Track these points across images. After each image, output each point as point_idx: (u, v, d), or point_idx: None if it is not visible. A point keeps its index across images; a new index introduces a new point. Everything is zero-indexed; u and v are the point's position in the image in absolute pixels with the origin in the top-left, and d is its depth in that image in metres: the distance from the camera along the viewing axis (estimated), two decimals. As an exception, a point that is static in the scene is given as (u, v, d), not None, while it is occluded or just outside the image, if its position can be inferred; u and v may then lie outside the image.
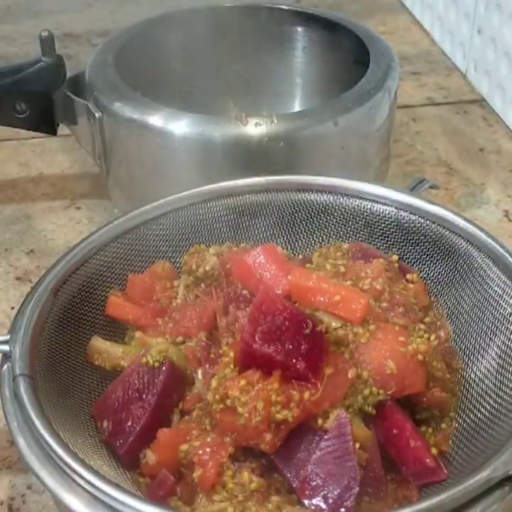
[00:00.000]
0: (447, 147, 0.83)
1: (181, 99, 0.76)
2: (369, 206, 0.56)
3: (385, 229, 0.56)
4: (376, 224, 0.56)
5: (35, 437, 0.41)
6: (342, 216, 0.57)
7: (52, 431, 0.41)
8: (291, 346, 0.42)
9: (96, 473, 0.39)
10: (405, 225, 0.55)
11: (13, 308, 0.63)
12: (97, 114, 0.65)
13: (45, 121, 0.70)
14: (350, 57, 0.72)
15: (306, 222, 0.58)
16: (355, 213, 0.57)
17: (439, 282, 0.54)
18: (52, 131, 0.71)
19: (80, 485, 0.39)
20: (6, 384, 0.44)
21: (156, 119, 0.62)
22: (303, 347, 0.42)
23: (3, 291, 0.66)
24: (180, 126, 0.62)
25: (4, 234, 0.72)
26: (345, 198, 0.57)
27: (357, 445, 0.42)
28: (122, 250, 0.54)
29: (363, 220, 0.56)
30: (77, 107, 0.68)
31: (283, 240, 0.58)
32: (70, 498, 0.38)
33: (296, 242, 0.58)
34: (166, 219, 0.56)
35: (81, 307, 0.51)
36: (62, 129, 0.72)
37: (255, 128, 0.61)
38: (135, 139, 0.64)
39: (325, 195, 0.57)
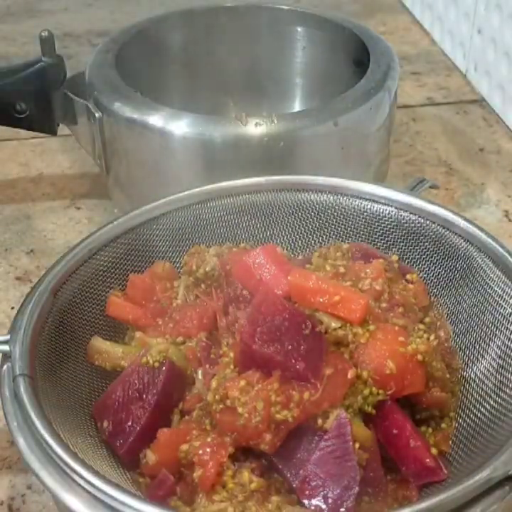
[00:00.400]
0: (447, 147, 0.83)
1: (181, 99, 0.76)
2: (369, 206, 0.56)
3: (385, 229, 0.56)
4: (376, 224, 0.56)
5: (35, 437, 0.41)
6: (342, 216, 0.57)
7: (52, 431, 0.41)
8: (290, 347, 0.42)
9: (96, 473, 0.39)
10: (405, 225, 0.55)
11: (13, 308, 0.63)
12: (97, 114, 0.65)
13: (45, 121, 0.70)
14: (350, 57, 0.72)
15: (306, 222, 0.58)
16: (355, 213, 0.57)
17: (439, 282, 0.54)
18: (52, 131, 0.71)
19: (79, 485, 0.39)
20: (6, 384, 0.44)
21: (156, 119, 0.62)
22: (302, 347, 0.42)
23: (3, 291, 0.66)
24: (180, 126, 0.62)
25: (4, 234, 0.72)
26: (345, 198, 0.57)
27: (357, 445, 0.42)
28: (122, 250, 0.54)
29: (363, 220, 0.56)
30: (77, 106, 0.68)
31: (283, 240, 0.58)
32: (69, 498, 0.38)
33: (296, 242, 0.58)
34: (166, 219, 0.56)
35: (81, 307, 0.51)
36: (62, 129, 0.72)
37: (255, 128, 0.61)
38: (135, 139, 0.64)
39: (325, 195, 0.57)
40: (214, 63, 0.79)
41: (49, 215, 0.75)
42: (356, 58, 0.71)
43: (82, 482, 0.39)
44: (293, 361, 0.42)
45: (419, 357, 0.45)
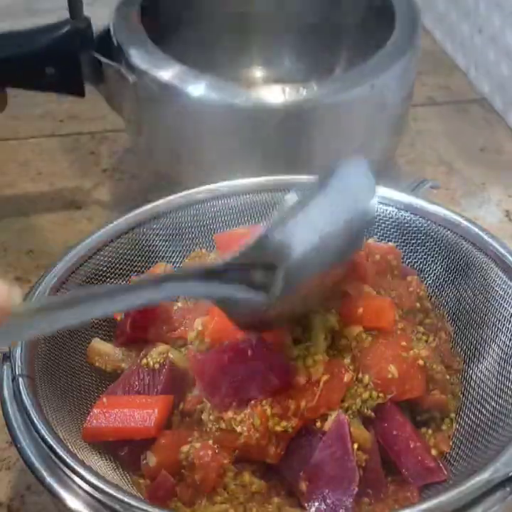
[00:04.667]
0: (448, 147, 0.83)
1: (203, 57, 0.75)
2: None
3: (385, 229, 0.56)
4: (376, 224, 0.56)
5: (35, 438, 0.40)
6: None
7: (52, 431, 0.41)
8: (256, 381, 0.42)
9: (96, 474, 0.39)
10: (406, 225, 0.55)
11: (12, 308, 0.63)
12: (130, 78, 0.64)
13: (73, 84, 0.68)
14: (375, 16, 0.71)
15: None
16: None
17: (440, 283, 0.54)
18: (80, 93, 0.69)
19: (79, 486, 0.38)
20: (6, 384, 0.43)
21: (195, 87, 0.62)
22: (262, 368, 0.42)
23: (2, 291, 0.66)
24: (223, 95, 0.61)
25: (3, 234, 0.72)
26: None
27: (355, 446, 0.42)
28: (122, 250, 0.54)
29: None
30: (107, 69, 0.67)
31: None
32: (69, 499, 0.38)
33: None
34: (167, 219, 0.56)
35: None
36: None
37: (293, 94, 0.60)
38: (171, 102, 0.64)
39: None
40: (238, 24, 0.78)
41: (48, 215, 0.74)
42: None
43: (81, 483, 0.38)
44: (268, 386, 0.42)
45: (421, 362, 0.45)
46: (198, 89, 0.62)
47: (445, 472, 0.44)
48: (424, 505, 0.38)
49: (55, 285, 0.49)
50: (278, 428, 0.41)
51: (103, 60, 0.66)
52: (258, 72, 0.80)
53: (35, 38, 0.67)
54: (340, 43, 0.77)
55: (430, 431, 0.47)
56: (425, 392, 0.45)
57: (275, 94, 0.61)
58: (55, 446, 0.40)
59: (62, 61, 0.67)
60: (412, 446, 0.44)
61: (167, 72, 0.63)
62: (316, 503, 0.41)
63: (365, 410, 0.44)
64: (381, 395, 0.44)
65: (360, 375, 0.44)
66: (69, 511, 0.38)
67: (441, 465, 0.44)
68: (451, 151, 0.82)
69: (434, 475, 0.44)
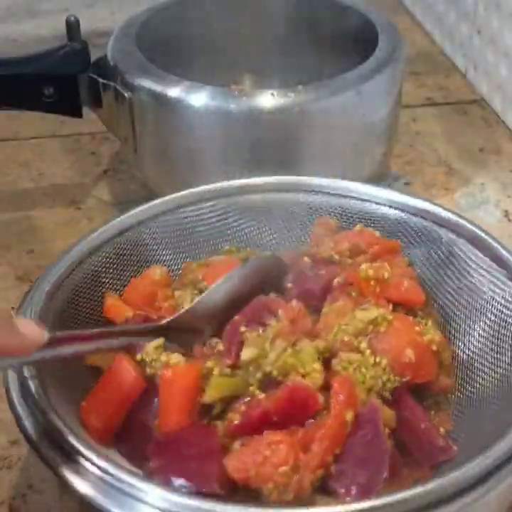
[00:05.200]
0: (447, 147, 0.83)
1: (199, 76, 0.74)
2: (360, 205, 0.57)
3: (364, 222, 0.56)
4: (357, 219, 0.57)
5: (43, 426, 0.41)
6: (342, 216, 0.57)
7: (60, 417, 0.41)
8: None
9: (107, 458, 0.39)
10: (384, 217, 0.56)
11: (13, 308, 0.63)
12: (126, 95, 0.65)
13: (71, 105, 0.69)
14: (358, 36, 0.73)
15: (305, 223, 0.58)
16: (355, 214, 0.57)
17: (421, 270, 0.54)
18: (78, 114, 0.70)
19: (89, 470, 0.38)
20: (10, 372, 0.43)
21: (195, 97, 0.63)
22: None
23: (3, 291, 0.66)
24: (220, 101, 0.62)
25: (4, 234, 0.72)
26: (345, 199, 0.57)
27: (386, 430, 0.42)
28: (122, 249, 0.54)
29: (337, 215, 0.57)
30: (103, 89, 0.68)
31: (281, 239, 0.58)
32: (79, 483, 0.38)
33: (295, 242, 0.58)
34: (166, 219, 0.56)
35: (79, 307, 0.51)
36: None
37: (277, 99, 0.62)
38: (168, 116, 0.64)
39: (323, 195, 0.57)
40: (229, 41, 0.80)
41: (49, 215, 0.75)
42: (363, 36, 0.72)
43: (91, 467, 0.38)
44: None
45: (434, 347, 0.46)
46: (198, 98, 0.62)
47: (455, 448, 0.45)
48: (447, 478, 0.38)
49: (56, 284, 0.49)
50: (311, 478, 0.40)
51: (100, 79, 0.68)
52: (246, 85, 0.82)
53: (34, 61, 0.69)
54: (325, 60, 0.79)
55: (433, 411, 0.48)
56: (436, 376, 0.47)
57: (266, 99, 0.62)
58: (64, 430, 0.40)
59: (61, 83, 0.68)
60: (423, 427, 0.45)
61: (164, 86, 0.64)
62: (346, 486, 0.41)
63: (384, 393, 0.45)
64: (397, 378, 0.45)
65: (377, 359, 0.45)
66: (78, 495, 0.38)
67: (450, 443, 0.45)
68: (450, 151, 0.83)
69: (445, 453, 0.45)
